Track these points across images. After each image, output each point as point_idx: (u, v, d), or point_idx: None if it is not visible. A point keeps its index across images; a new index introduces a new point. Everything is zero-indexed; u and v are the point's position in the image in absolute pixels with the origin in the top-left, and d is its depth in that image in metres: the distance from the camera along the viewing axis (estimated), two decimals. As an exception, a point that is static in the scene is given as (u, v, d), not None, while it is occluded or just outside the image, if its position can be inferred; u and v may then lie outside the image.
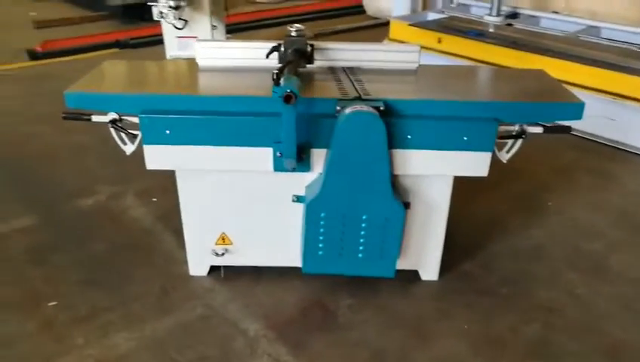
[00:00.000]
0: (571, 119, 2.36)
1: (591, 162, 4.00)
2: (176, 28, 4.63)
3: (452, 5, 6.23)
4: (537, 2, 6.20)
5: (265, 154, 2.29)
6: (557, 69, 4.36)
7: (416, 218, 2.56)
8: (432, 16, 5.82)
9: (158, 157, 2.31)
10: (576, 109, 2.34)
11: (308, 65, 2.55)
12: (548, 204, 3.43)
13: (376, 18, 7.94)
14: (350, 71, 2.60)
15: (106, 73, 2.58)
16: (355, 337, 2.37)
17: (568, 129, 2.47)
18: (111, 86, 2.45)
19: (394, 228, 2.39)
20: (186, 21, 4.66)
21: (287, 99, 1.99)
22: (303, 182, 2.43)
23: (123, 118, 2.36)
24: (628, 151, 4.15)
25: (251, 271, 2.70)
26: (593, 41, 4.89)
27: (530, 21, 5.60)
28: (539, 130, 2.42)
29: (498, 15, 5.48)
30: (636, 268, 2.84)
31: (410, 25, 5.29)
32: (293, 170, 2.31)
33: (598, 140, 4.30)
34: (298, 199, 2.46)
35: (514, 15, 5.80)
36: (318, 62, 2.62)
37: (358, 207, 2.34)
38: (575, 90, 4.19)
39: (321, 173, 2.33)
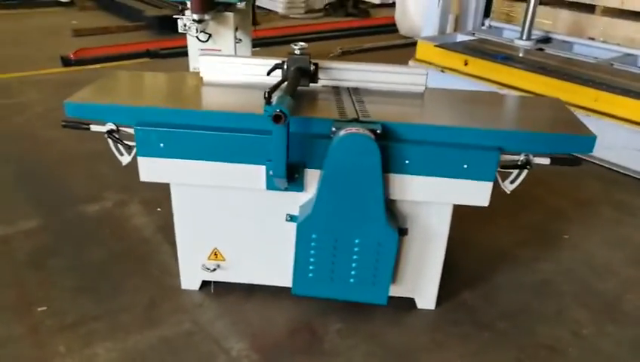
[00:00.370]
0: (581, 152, 2.25)
1: (616, 195, 3.81)
2: (200, 41, 4.71)
3: (483, 28, 6.11)
4: (573, 28, 6.02)
5: (258, 172, 2.26)
6: (584, 96, 4.24)
7: (413, 245, 2.47)
8: (461, 37, 5.72)
9: (151, 169, 2.31)
10: (586, 142, 2.23)
11: (313, 85, 2.52)
12: (564, 236, 3.27)
13: (408, 37, 7.88)
14: (355, 91, 2.55)
15: (109, 84, 2.61)
16: (339, 364, 2.29)
17: (578, 161, 2.35)
18: (111, 97, 2.47)
19: (387, 255, 2.31)
20: (210, 35, 4.73)
21: (276, 118, 1.96)
22: (297, 201, 2.38)
23: (120, 128, 2.37)
24: (657, 186, 3.95)
25: (243, 288, 2.65)
26: (627, 69, 4.69)
27: (562, 46, 5.43)
28: (546, 161, 2.31)
29: (529, 39, 5.33)
30: (651, 312, 2.67)
31: (436, 46, 5.20)
32: (286, 189, 2.28)
33: (626, 172, 4.10)
34: (291, 218, 2.41)
35: (546, 40, 5.64)
36: (323, 82, 2.58)
37: (350, 230, 2.27)
38: (604, 120, 4.11)
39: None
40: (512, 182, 2.36)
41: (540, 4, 6.36)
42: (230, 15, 4.75)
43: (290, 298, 2.52)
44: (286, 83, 2.24)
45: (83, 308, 2.53)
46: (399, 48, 7.37)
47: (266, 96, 2.01)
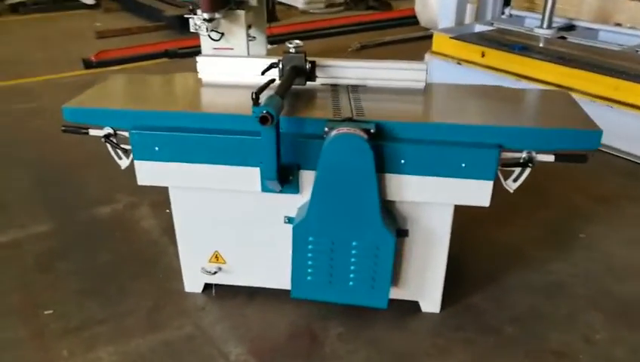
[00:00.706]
0: (585, 148, 2.14)
1: (638, 190, 3.63)
2: (212, 40, 4.71)
3: (503, 17, 5.93)
4: (599, 14, 5.77)
5: (253, 174, 2.23)
6: (604, 86, 4.06)
7: (415, 246, 2.41)
8: (479, 28, 5.56)
9: (148, 173, 2.32)
10: (591, 138, 2.11)
11: (311, 83, 2.47)
12: (580, 236, 3.14)
13: (428, 29, 7.72)
14: (353, 89, 2.50)
15: (108, 87, 2.62)
16: (338, 369, 2.26)
17: (583, 158, 2.23)
18: (108, 101, 2.48)
19: (385, 257, 2.25)
20: (222, 33, 4.72)
21: (263, 120, 1.93)
22: (296, 203, 2.35)
23: (118, 132, 2.38)
24: (684, 180, 3.76)
25: (245, 291, 2.64)
26: (654, 56, 4.48)
27: (586, 34, 5.22)
28: (550, 158, 2.20)
29: (549, 27, 5.15)
30: (671, 315, 2.54)
31: (451, 38, 5.07)
32: (281, 191, 2.25)
33: (649, 165, 3.93)
34: (289, 221, 2.38)
35: (570, 27, 5.43)
36: (322, 80, 2.53)
37: (346, 233, 2.23)
38: (625, 110, 3.92)
39: (312, 196, 2.24)
40: (514, 180, 2.27)
41: (564, -10, 6.16)
42: (242, 13, 4.73)
43: (292, 301, 2.49)
44: (267, 84, 2.18)
45: (88, 312, 2.56)
46: (419, 41, 7.23)
47: (254, 97, 1.97)
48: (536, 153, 2.19)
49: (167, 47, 6.66)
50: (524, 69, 4.57)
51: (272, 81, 2.19)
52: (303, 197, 2.30)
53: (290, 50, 2.40)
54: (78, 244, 3.08)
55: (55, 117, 5.02)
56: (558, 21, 5.38)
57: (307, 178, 2.23)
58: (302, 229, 2.25)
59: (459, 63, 5.08)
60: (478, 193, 2.17)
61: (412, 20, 8.31)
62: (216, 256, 2.57)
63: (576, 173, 3.69)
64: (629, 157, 3.95)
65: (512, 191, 2.28)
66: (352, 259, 2.28)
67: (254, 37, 5.17)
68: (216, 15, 4.47)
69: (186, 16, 4.61)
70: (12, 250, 3.04)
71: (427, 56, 5.41)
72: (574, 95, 4.28)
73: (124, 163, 2.44)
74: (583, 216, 3.33)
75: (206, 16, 4.42)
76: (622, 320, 2.50)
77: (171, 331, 2.45)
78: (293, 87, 2.44)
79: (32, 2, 9.61)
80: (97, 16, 9.28)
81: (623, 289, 2.71)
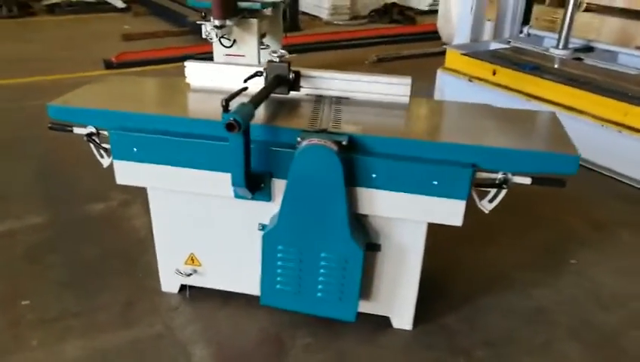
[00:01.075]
0: (563, 173, 2.08)
1: (638, 217, 3.52)
2: (224, 46, 4.79)
3: (521, 35, 5.85)
4: (619, 36, 5.65)
5: (227, 180, 2.25)
6: (613, 110, 3.96)
7: (387, 261, 2.38)
8: (495, 45, 5.50)
9: (126, 173, 2.36)
10: (569, 162, 2.06)
11: (295, 93, 2.49)
12: (570, 261, 3.05)
13: (447, 44, 7.66)
14: (337, 101, 2.50)
15: (97, 88, 2.70)
16: (299, 381, 2.25)
17: (561, 183, 2.18)
18: (93, 100, 2.54)
19: (353, 270, 2.24)
20: (234, 40, 4.79)
21: (229, 127, 1.94)
22: (270, 211, 2.36)
23: (101, 132, 2.43)
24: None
25: (220, 295, 2.65)
26: (670, 82, 4.34)
27: (604, 56, 5.10)
28: (526, 180, 2.16)
29: (565, 48, 5.05)
30: (653, 350, 2.44)
31: (463, 54, 5.03)
32: (253, 198, 2.26)
33: (655, 194, 3.80)
34: (263, 228, 2.38)
35: (589, 49, 5.32)
36: (307, 90, 2.54)
37: (315, 244, 2.22)
38: (634, 135, 3.81)
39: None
40: (490, 201, 2.23)
41: (586, 10, 6.06)
42: (254, 21, 4.79)
43: (265, 308, 2.49)
44: (239, 92, 2.19)
45: (65, 304, 2.62)
46: (437, 56, 7.16)
47: (223, 103, 2.00)
48: (513, 175, 2.15)
49: (186, 51, 6.79)
50: (535, 89, 4.49)
51: (245, 89, 2.21)
52: (277, 205, 2.30)
53: (274, 60, 2.43)
54: (68, 238, 3.15)
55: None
56: (577, 42, 5.28)
57: (280, 186, 2.23)
58: (271, 237, 2.26)
59: (470, 80, 5.03)
60: (450, 212, 2.14)
61: (434, 35, 8.28)
62: (192, 258, 2.59)
63: (575, 196, 3.60)
64: (633, 183, 3.83)
65: (487, 211, 2.24)
66: (321, 271, 2.27)
67: (268, 45, 5.23)
68: (228, 22, 4.54)
69: (198, 22, 4.70)
70: (5, 239, 3.13)
71: (439, 72, 5.37)
72: (585, 118, 4.19)
73: (105, 162, 2.50)
74: (577, 241, 3.24)
75: (217, 23, 4.50)
76: (599, 353, 2.42)
77: (142, 328, 2.48)
78: (278, 96, 2.47)
79: (67, 4, 9.97)
80: (127, 20, 9.55)
81: (607, 319, 2.62)
